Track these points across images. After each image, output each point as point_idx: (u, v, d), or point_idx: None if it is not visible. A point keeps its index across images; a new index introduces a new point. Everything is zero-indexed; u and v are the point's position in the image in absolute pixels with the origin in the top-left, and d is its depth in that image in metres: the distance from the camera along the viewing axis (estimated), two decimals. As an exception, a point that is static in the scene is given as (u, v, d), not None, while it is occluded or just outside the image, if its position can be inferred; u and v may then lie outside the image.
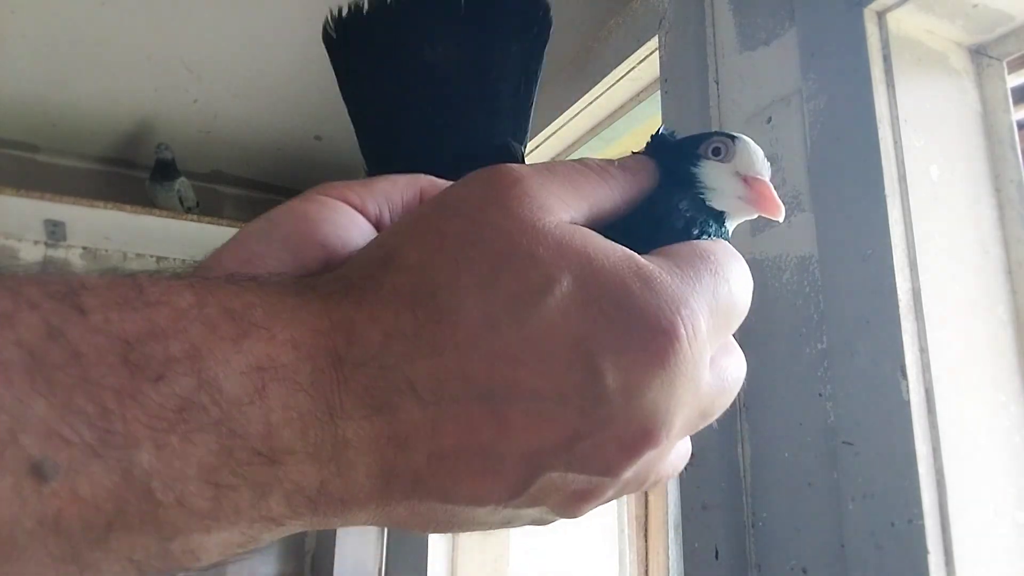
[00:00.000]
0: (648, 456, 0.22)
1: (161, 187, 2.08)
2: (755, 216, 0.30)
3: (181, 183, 2.10)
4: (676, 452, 0.26)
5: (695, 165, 0.29)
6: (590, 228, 0.23)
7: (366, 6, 0.29)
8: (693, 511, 0.82)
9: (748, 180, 0.30)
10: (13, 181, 1.93)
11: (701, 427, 0.25)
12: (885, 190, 0.68)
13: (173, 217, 2.05)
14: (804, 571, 0.70)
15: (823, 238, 0.74)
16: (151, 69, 1.79)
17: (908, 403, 0.63)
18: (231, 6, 1.52)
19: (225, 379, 0.18)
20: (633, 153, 0.30)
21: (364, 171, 0.32)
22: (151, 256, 2.31)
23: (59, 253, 2.21)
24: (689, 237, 0.27)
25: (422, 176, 0.28)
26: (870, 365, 0.67)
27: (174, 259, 2.33)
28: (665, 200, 0.28)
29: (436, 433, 0.20)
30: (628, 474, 0.22)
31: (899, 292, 0.66)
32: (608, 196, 0.26)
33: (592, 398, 0.21)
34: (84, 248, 2.23)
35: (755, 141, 0.31)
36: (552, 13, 0.30)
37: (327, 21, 0.30)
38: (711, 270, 0.24)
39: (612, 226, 0.25)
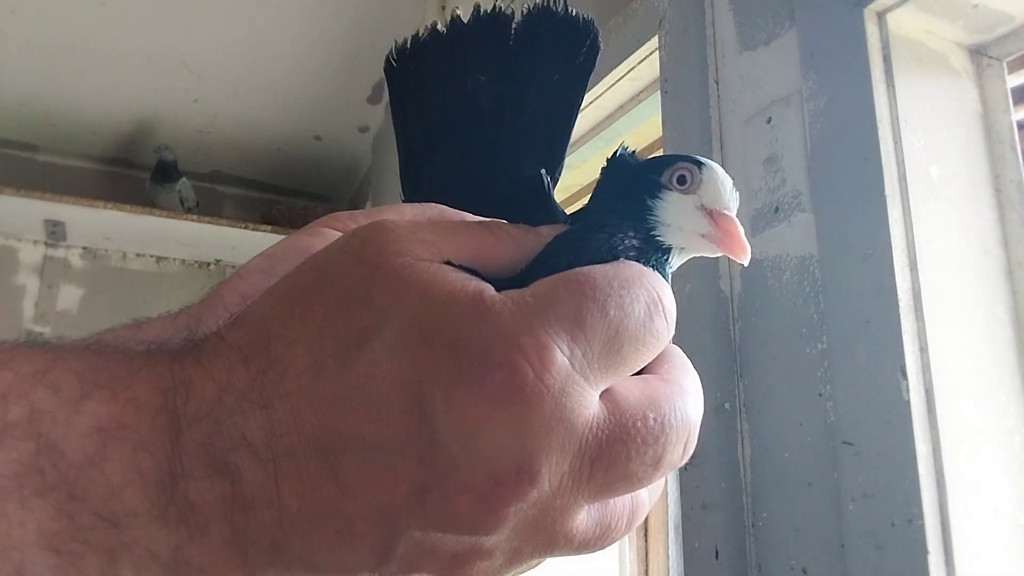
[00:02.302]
0: (521, 509, 0.20)
1: (162, 188, 2.09)
2: (717, 255, 0.28)
3: (182, 184, 2.11)
4: (600, 512, 0.22)
5: (654, 196, 0.27)
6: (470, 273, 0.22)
7: (426, 37, 0.29)
8: (693, 511, 0.82)
9: (714, 215, 0.27)
10: (13, 181, 1.93)
11: (618, 484, 0.21)
12: (885, 190, 0.68)
13: (173, 217, 2.05)
14: (804, 571, 0.70)
15: (823, 238, 0.74)
16: (151, 69, 1.79)
17: (908, 403, 0.63)
18: (231, 6, 1.52)
19: (65, 442, 0.18)
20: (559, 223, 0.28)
21: (400, 198, 0.32)
22: (151, 256, 2.31)
23: (59, 253, 2.21)
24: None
25: (431, 205, 0.27)
26: (870, 365, 0.67)
27: (174, 259, 2.33)
28: (587, 236, 0.25)
29: (280, 493, 0.19)
30: (504, 532, 0.20)
31: (899, 292, 0.66)
32: (495, 247, 0.24)
33: (426, 445, 0.19)
34: (84, 248, 2.23)
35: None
36: (600, 39, 0.28)
37: (391, 51, 0.30)
38: (576, 293, 0.21)
39: (517, 274, 0.24)
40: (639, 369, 0.22)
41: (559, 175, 0.30)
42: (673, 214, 0.27)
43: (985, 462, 0.64)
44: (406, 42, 0.30)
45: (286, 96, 1.96)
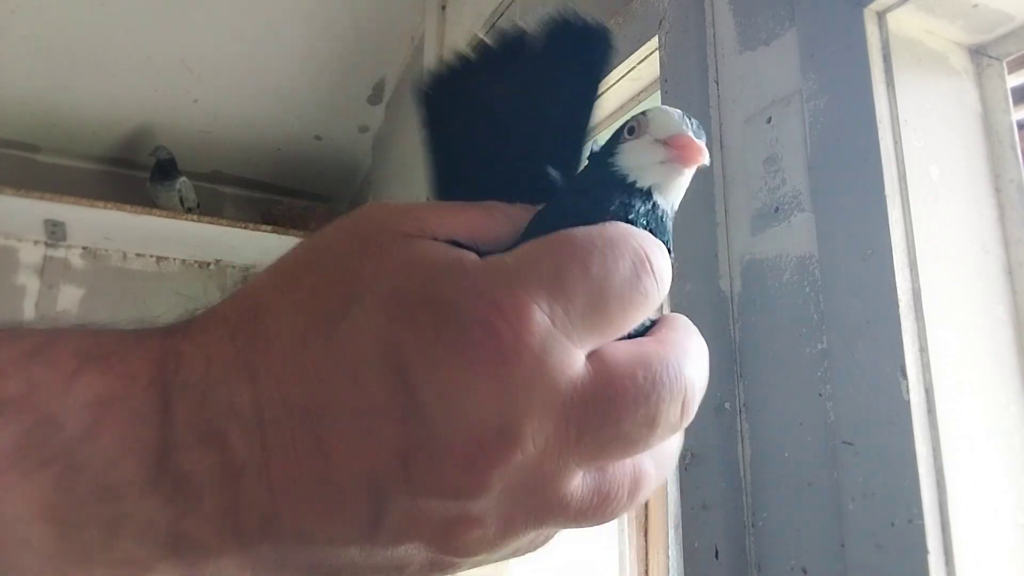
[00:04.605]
0: (507, 472, 0.19)
1: (162, 187, 2.09)
2: (687, 172, 0.28)
3: (183, 183, 2.11)
4: (598, 479, 0.21)
5: (612, 153, 0.28)
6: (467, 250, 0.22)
7: (456, 64, 0.30)
8: (693, 510, 0.82)
9: (667, 141, 0.28)
10: (13, 181, 1.93)
11: (611, 446, 0.20)
12: (885, 190, 0.68)
13: (173, 217, 2.05)
14: (804, 571, 0.70)
15: (823, 238, 0.74)
16: (151, 69, 1.79)
17: (908, 403, 0.63)
18: (231, 6, 1.52)
19: (64, 414, 0.18)
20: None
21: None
22: (151, 256, 2.31)
23: (59, 253, 2.21)
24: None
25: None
26: (870, 365, 0.67)
27: (174, 259, 2.33)
28: (572, 201, 0.26)
29: (268, 462, 0.19)
30: (492, 497, 0.19)
31: (899, 292, 0.66)
32: (489, 223, 0.24)
33: (407, 407, 0.19)
34: (84, 248, 2.23)
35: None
36: (613, 41, 0.29)
37: (423, 82, 0.30)
38: (556, 252, 0.20)
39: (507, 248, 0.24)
40: (633, 333, 0.22)
41: (575, 170, 0.31)
42: (632, 156, 0.28)
43: (985, 462, 0.64)
44: (437, 72, 0.30)
45: (286, 96, 1.96)
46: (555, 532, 0.22)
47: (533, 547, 0.22)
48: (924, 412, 0.63)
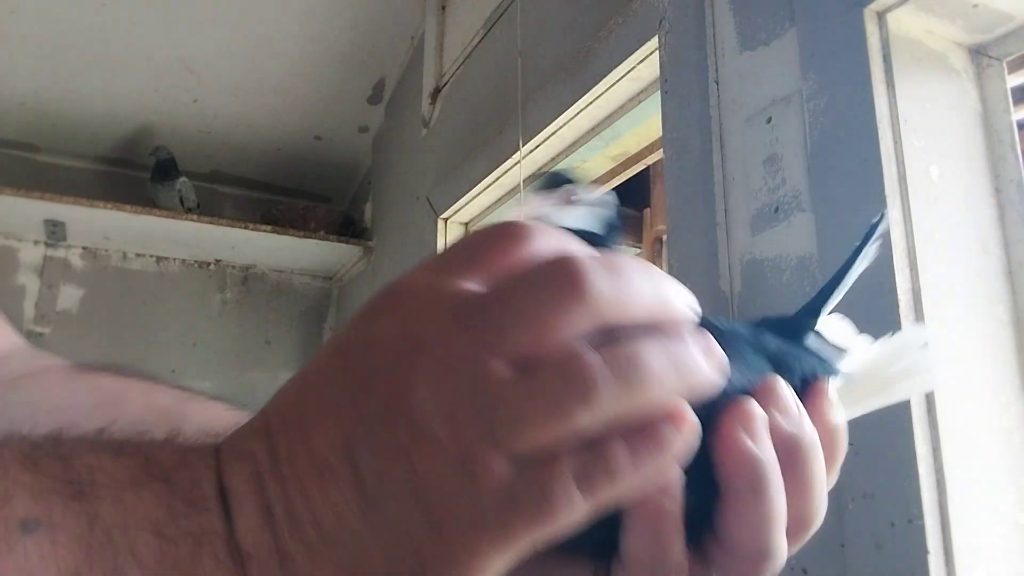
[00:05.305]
0: (425, 372, 0.21)
1: (162, 187, 2.08)
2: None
3: (183, 184, 2.10)
4: (528, 377, 0.21)
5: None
6: None
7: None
8: (693, 511, 0.82)
9: None
10: (13, 181, 1.93)
11: (518, 324, 0.21)
12: (885, 190, 0.68)
13: (173, 217, 2.05)
14: (804, 571, 0.70)
15: (823, 238, 0.74)
16: (151, 69, 1.79)
17: (908, 403, 0.63)
18: (231, 6, 1.52)
19: (162, 455, 0.24)
20: None
21: None
22: (151, 256, 2.31)
23: (59, 253, 2.21)
24: None
25: None
26: (870, 365, 0.67)
27: (174, 259, 2.33)
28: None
29: (277, 456, 0.23)
30: (423, 398, 0.21)
31: (899, 292, 0.66)
32: None
33: (351, 369, 0.23)
34: (84, 248, 2.23)
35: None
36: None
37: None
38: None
39: None
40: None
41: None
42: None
43: (985, 462, 0.64)
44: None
45: (286, 96, 1.97)
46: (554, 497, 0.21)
47: (527, 508, 0.21)
48: (924, 412, 0.63)
